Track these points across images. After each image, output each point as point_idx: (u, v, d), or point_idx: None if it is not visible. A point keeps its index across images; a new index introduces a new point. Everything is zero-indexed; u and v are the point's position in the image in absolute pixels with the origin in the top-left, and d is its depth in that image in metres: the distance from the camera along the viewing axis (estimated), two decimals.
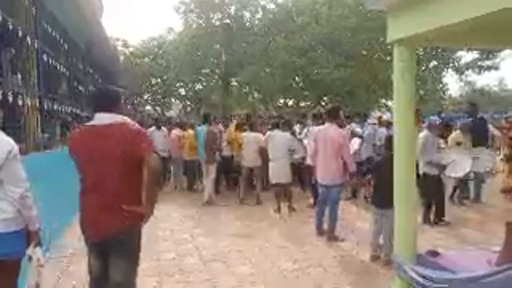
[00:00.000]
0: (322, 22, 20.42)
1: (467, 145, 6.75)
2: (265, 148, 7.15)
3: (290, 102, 25.49)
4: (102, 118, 2.62)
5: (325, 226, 5.42)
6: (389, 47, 2.27)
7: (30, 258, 2.58)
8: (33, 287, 2.61)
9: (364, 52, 20.87)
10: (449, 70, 23.63)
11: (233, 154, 8.08)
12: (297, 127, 8.63)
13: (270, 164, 6.83)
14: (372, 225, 4.67)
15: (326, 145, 5.30)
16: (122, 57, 25.81)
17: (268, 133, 7.24)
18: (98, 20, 12.48)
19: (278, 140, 6.82)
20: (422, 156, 5.74)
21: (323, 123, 5.70)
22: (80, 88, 12.99)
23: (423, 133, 5.88)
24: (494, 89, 42.37)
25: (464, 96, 36.86)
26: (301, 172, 7.91)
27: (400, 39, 2.11)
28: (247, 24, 23.76)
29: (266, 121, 9.86)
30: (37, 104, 7.50)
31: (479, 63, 22.66)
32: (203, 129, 7.62)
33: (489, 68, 22.68)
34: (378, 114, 12.43)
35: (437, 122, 6.20)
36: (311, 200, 7.05)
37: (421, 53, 20.73)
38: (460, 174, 5.99)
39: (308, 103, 24.13)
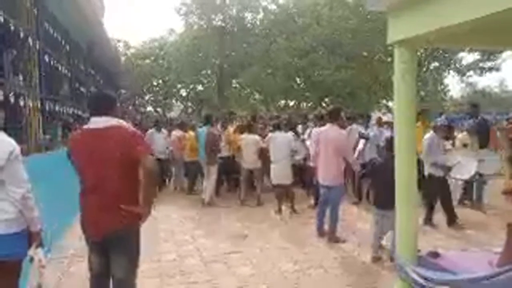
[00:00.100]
0: (323, 23, 20.46)
1: (474, 146, 6.73)
2: (265, 149, 7.15)
3: (291, 103, 25.51)
4: (97, 122, 2.68)
5: (326, 227, 5.42)
6: (389, 48, 2.26)
7: (31, 259, 2.59)
8: (35, 287, 2.62)
9: (365, 54, 20.89)
10: (450, 71, 23.65)
11: (234, 154, 8.07)
12: (299, 128, 8.64)
13: (272, 166, 6.83)
14: (373, 226, 4.67)
15: (327, 146, 5.30)
16: (123, 58, 25.89)
17: (270, 134, 7.23)
18: (100, 20, 12.50)
19: (279, 141, 6.82)
20: (427, 158, 5.73)
21: (324, 124, 5.70)
22: (82, 89, 13.02)
23: (428, 135, 5.85)
24: (495, 90, 42.40)
25: (465, 97, 36.86)
26: (303, 173, 7.91)
27: (401, 40, 2.11)
28: (248, 25, 23.78)
29: (267, 122, 9.83)
30: (39, 105, 7.52)
31: (480, 64, 22.69)
32: (204, 130, 7.62)
33: (490, 69, 22.70)
34: (378, 114, 12.44)
35: (444, 124, 6.18)
36: (312, 201, 7.05)
37: (422, 54, 20.73)
38: (466, 176, 5.95)
39: (309, 104, 24.14)
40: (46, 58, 8.52)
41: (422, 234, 4.58)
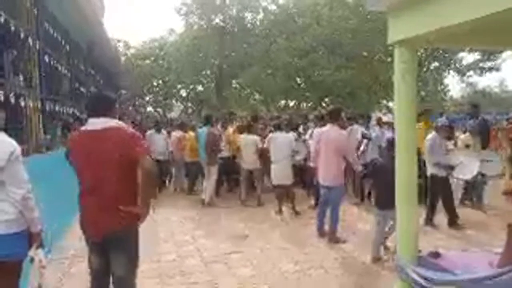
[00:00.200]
0: (323, 23, 20.45)
1: (476, 147, 6.72)
2: (264, 149, 7.15)
3: (291, 104, 25.51)
4: (95, 123, 2.68)
5: (327, 227, 5.41)
6: (390, 48, 2.26)
7: (32, 260, 2.59)
8: None
9: (365, 54, 20.88)
10: (451, 71, 23.66)
11: (234, 155, 8.07)
12: (300, 129, 8.64)
13: (272, 166, 6.82)
14: (375, 226, 4.66)
15: (328, 146, 5.30)
16: (123, 59, 25.89)
17: (270, 135, 7.22)
18: (100, 20, 12.50)
19: (280, 141, 6.81)
20: (430, 158, 5.72)
21: (325, 125, 5.70)
22: (82, 89, 13.01)
23: (430, 135, 5.84)
24: (495, 90, 42.41)
25: (465, 97, 36.88)
26: (303, 174, 7.90)
27: (401, 40, 2.11)
28: (248, 25, 23.77)
29: (268, 122, 9.81)
30: (39, 105, 7.52)
31: (480, 64, 22.68)
32: (204, 131, 7.60)
33: (490, 69, 22.70)
34: (378, 115, 12.43)
35: (445, 124, 6.18)
36: (312, 202, 7.05)
37: (423, 54, 20.73)
38: (468, 176, 5.94)
39: (309, 104, 24.14)
40: (46, 58, 8.52)
41: (423, 234, 4.58)
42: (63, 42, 10.47)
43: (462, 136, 7.03)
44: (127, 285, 2.75)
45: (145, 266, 3.91)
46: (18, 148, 2.50)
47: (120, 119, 2.92)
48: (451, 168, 5.68)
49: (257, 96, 25.62)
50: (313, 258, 4.69)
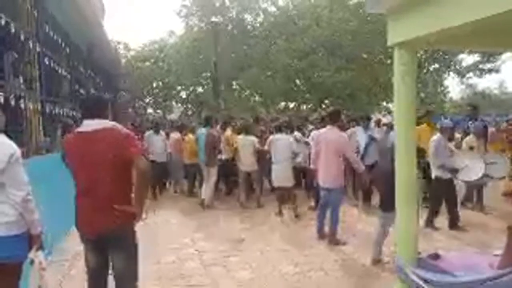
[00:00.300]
0: (323, 25, 20.45)
1: (480, 149, 6.71)
2: (262, 150, 7.14)
3: (291, 105, 25.49)
4: (89, 125, 2.69)
5: (326, 229, 5.41)
6: (390, 50, 2.27)
7: (32, 262, 2.59)
8: None
9: (365, 55, 20.89)
10: (450, 73, 23.66)
11: (233, 156, 8.05)
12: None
13: (273, 167, 6.82)
14: (377, 228, 4.62)
15: (327, 148, 5.30)
16: (123, 61, 25.90)
17: (271, 137, 7.21)
18: (100, 22, 12.51)
19: (281, 143, 6.80)
20: (434, 160, 5.71)
21: (324, 126, 5.70)
22: (82, 91, 13.01)
23: (435, 137, 5.82)
24: (494, 91, 42.43)
25: (465, 99, 36.89)
26: (304, 175, 7.89)
27: (401, 42, 2.12)
28: (248, 27, 23.78)
29: (269, 124, 9.80)
30: (39, 107, 7.52)
31: (480, 66, 22.68)
32: (203, 133, 7.59)
33: (490, 71, 22.71)
34: (378, 116, 12.45)
35: (449, 126, 6.16)
36: (312, 203, 7.04)
37: (422, 56, 20.75)
38: (474, 178, 5.93)
39: (309, 106, 24.12)
40: (46, 60, 8.52)
41: (423, 236, 4.57)
42: (63, 44, 10.48)
43: (467, 138, 7.00)
44: (128, 284, 2.75)
45: (145, 268, 3.89)
46: (18, 150, 2.50)
47: (120, 120, 2.92)
48: (456, 171, 5.66)
49: (256, 98, 25.60)
50: (313, 260, 4.68)
